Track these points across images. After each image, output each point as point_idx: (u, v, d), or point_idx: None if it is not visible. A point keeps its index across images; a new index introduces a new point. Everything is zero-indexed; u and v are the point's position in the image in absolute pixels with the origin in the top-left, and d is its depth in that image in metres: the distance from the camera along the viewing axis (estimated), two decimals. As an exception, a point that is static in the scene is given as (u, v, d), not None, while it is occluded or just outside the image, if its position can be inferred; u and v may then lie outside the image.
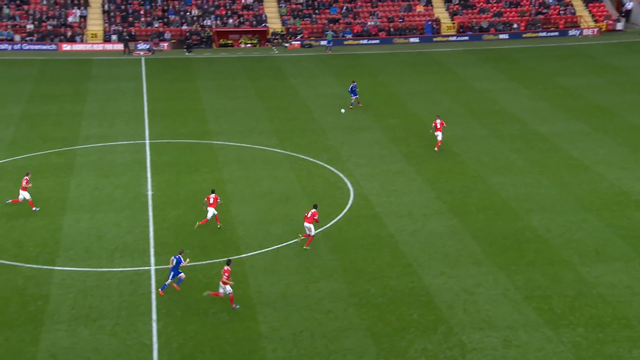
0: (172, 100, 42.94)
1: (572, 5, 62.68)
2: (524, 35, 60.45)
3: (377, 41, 59.78)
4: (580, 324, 21.34)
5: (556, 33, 60.42)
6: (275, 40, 58.51)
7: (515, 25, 61.37)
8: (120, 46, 56.06)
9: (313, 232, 25.54)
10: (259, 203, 29.03)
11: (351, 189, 30.71)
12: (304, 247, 25.42)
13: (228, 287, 21.97)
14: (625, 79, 46.21)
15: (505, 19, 62.10)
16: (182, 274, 22.78)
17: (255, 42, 58.23)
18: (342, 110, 40.01)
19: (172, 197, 29.49)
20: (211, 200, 26.63)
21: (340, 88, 45.40)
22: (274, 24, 59.88)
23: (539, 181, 31.34)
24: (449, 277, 23.81)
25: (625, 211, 28.06)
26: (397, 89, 46.12)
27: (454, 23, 61.92)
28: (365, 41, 59.52)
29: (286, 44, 58.05)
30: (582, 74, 48.23)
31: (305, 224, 25.46)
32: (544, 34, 60.47)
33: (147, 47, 56.02)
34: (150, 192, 29.89)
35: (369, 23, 61.12)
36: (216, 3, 60.64)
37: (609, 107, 40.79)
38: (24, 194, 28.09)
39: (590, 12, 62.36)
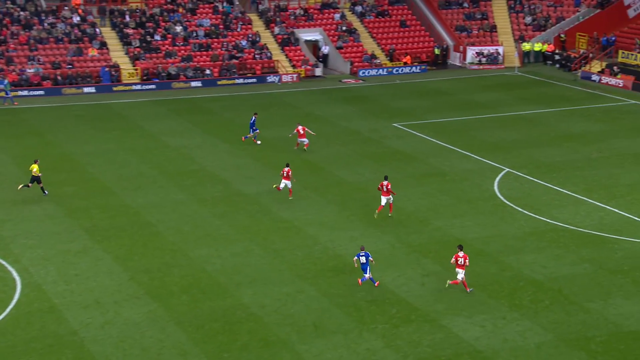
0: None
1: (267, 49, 66.59)
2: (219, 83, 62.57)
3: (42, 92, 57.41)
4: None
5: (254, 80, 63.57)
6: None
7: (208, 71, 63.30)
8: None
9: None
10: None
11: (17, 278, 28.56)
12: None
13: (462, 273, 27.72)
14: (329, 129, 49.87)
15: (195, 64, 63.77)
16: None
17: None
18: (258, 142, 44.52)
19: None
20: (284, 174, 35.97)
21: (-2, 150, 42.45)
22: None
23: (249, 249, 32.02)
24: (150, 378, 22.86)
25: (340, 277, 29.71)
26: (72, 149, 44.56)
27: (136, 69, 61.94)
28: (25, 92, 56.79)
29: None
30: (284, 125, 50.98)
31: None
32: (240, 80, 63.24)
33: None
34: None
35: (27, 70, 58.52)
36: None
37: (315, 161, 43.52)
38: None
39: (287, 56, 66.81)
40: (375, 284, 28.69)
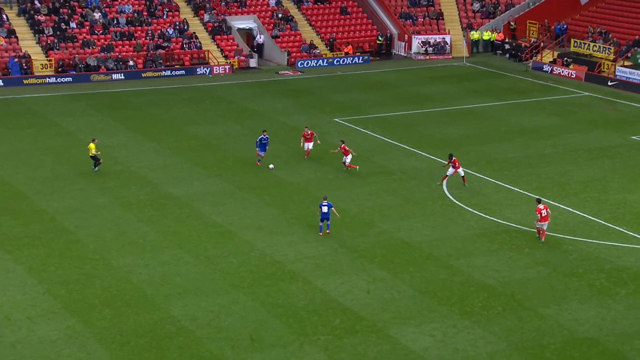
0: None
1: (197, 38, 66.11)
2: (143, 75, 61.88)
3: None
4: None
5: (182, 72, 63.04)
6: None
7: (131, 63, 62.54)
8: None
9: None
10: None
11: None
12: None
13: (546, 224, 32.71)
14: (266, 125, 49.69)
15: (117, 54, 62.94)
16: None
17: None
18: (271, 166, 40.91)
19: None
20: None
21: None
22: None
23: (179, 257, 31.74)
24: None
25: (279, 285, 29.65)
26: (-20, 149, 43.60)
27: (50, 60, 60.82)
28: None
29: None
30: (218, 121, 50.76)
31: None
32: (168, 72, 62.65)
33: None
34: None
35: None
36: None
37: (252, 159, 43.34)
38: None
39: (218, 46, 66.45)
40: (327, 231, 33.12)
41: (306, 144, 42.83)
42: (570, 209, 36.60)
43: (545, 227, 33.12)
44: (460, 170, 38.93)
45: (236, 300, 28.48)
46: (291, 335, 26.33)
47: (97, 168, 40.56)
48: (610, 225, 34.84)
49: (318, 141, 43.19)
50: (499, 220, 35.42)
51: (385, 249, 32.64)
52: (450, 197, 38.26)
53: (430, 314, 27.67)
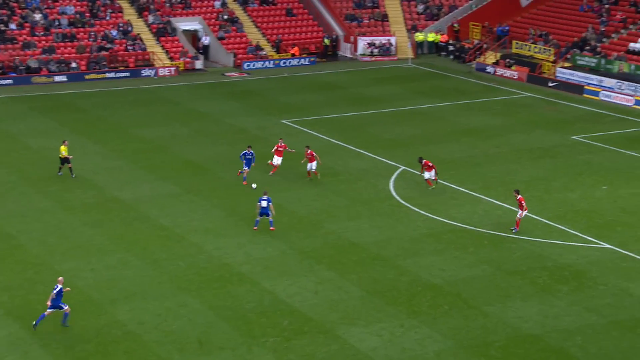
0: None
1: (141, 40, 65.44)
2: (87, 77, 61.06)
3: None
4: None
5: (127, 73, 62.33)
6: None
7: (73, 64, 61.67)
8: None
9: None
10: None
11: None
12: None
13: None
14: (214, 127, 49.53)
15: (59, 56, 62.00)
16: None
17: None
18: (254, 185, 37.80)
19: None
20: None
21: None
22: None
23: (125, 261, 31.38)
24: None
25: (227, 287, 29.50)
26: None
27: (-11, 62, 59.73)
28: None
29: None
30: (164, 124, 50.29)
31: None
32: (112, 74, 61.89)
33: None
34: None
35: None
36: None
37: (199, 161, 43.07)
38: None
39: (163, 47, 65.87)
40: (271, 228, 33.63)
41: (276, 158, 40.41)
42: (514, 208, 37.06)
43: (522, 216, 34.56)
44: (427, 174, 38.84)
45: (184, 304, 28.24)
46: (240, 338, 26.21)
47: (61, 172, 39.94)
48: (552, 223, 35.38)
49: (291, 150, 41.27)
50: (445, 220, 35.72)
51: (333, 250, 32.68)
52: (397, 197, 38.47)
53: (378, 314, 27.77)
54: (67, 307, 26.41)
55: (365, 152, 45.02)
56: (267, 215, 33.81)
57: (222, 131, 48.62)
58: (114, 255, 31.88)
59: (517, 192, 34.90)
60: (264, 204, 33.59)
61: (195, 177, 40.82)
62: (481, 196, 38.55)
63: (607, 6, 65.84)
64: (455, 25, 71.74)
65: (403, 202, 37.82)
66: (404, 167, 42.50)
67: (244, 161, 39.46)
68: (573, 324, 27.25)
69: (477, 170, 42.23)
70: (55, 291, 26.18)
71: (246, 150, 39.61)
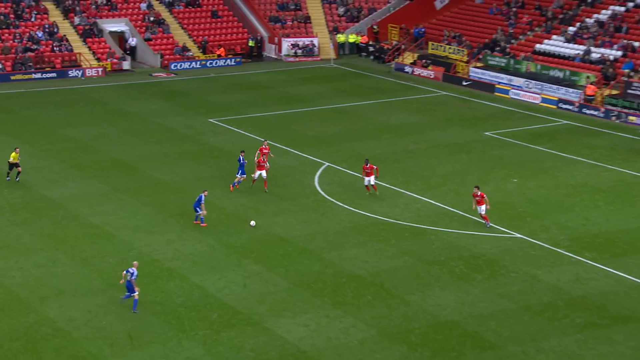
0: None
1: (67, 41, 64.19)
2: (13, 78, 59.66)
3: None
4: None
5: (54, 74, 61.08)
6: None
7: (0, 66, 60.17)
8: None
9: None
10: None
11: None
12: None
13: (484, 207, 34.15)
14: (142, 127, 48.95)
15: (-14, 57, 60.42)
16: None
17: None
18: (252, 223, 34.03)
19: None
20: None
21: None
22: None
23: (55, 259, 30.84)
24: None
25: (157, 283, 29.27)
26: None
27: None
28: None
29: None
30: (92, 123, 49.49)
31: None
32: (38, 75, 60.58)
33: None
34: None
35: None
36: None
37: (127, 160, 42.54)
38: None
39: (90, 49, 64.74)
40: (203, 224, 33.84)
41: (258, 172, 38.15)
42: (433, 201, 37.68)
43: (483, 211, 34.47)
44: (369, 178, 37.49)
45: (114, 300, 27.89)
46: (170, 332, 26.03)
47: (18, 178, 38.49)
48: (467, 215, 36.06)
49: (271, 154, 40.19)
50: (368, 214, 36.08)
51: (260, 244, 32.71)
52: (322, 192, 38.68)
53: (305, 305, 27.93)
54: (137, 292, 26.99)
55: (291, 150, 45.13)
56: (196, 211, 33.83)
57: (150, 130, 48.09)
58: (43, 253, 31.29)
59: (477, 188, 34.73)
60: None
61: (124, 175, 40.32)
62: (402, 190, 39.05)
63: (514, 9, 67.32)
64: (375, 27, 72.36)
65: (328, 197, 38.06)
66: (328, 164, 42.75)
67: (239, 169, 37.71)
68: (487, 310, 27.88)
69: (397, 166, 42.75)
70: (133, 277, 26.81)
71: (240, 156, 38.06)
